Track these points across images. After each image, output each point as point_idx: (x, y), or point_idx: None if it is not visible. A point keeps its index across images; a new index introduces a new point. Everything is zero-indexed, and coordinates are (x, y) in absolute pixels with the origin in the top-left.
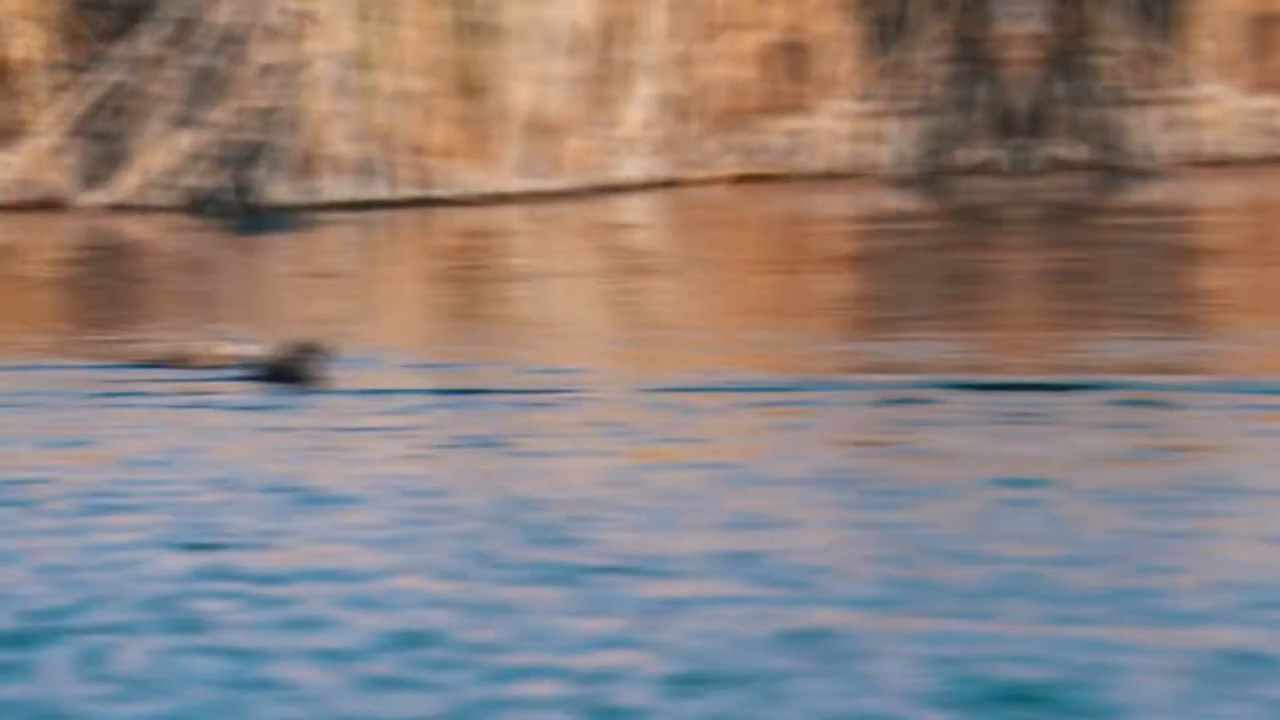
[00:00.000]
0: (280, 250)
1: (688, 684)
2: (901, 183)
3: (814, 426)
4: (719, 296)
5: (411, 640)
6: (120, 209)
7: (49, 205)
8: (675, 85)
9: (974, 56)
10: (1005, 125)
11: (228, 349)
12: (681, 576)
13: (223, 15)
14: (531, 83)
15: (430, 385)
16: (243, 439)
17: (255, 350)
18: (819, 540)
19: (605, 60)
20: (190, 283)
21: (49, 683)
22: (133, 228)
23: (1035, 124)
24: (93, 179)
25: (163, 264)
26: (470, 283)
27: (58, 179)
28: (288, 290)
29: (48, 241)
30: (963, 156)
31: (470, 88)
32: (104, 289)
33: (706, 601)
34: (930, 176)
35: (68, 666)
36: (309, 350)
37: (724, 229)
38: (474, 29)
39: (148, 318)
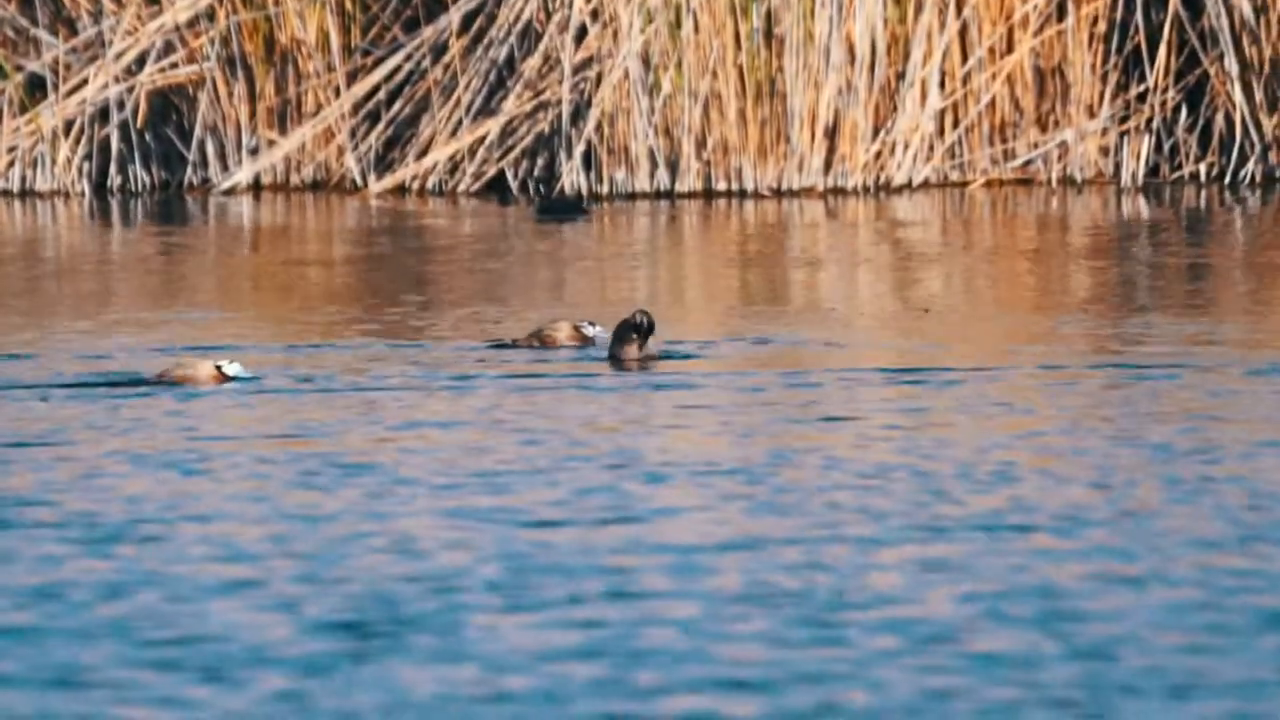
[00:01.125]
0: (576, 236)
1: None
2: (1132, 190)
3: (1103, 401)
4: (988, 283)
5: (752, 598)
6: (405, 193)
7: (333, 187)
8: (946, 99)
9: (1196, 88)
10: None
11: (585, 330)
12: (1024, 528)
13: (519, 9)
14: (820, 90)
15: (750, 365)
16: (593, 414)
17: (604, 332)
18: (1163, 494)
19: (887, 73)
20: (499, 266)
21: (404, 666)
22: (421, 212)
23: (1239, 145)
24: (378, 163)
25: (460, 247)
26: (769, 268)
27: (343, 162)
28: (595, 275)
29: (339, 224)
30: (1182, 169)
31: (762, 92)
32: (412, 270)
33: (1072, 552)
34: (1155, 186)
35: (424, 649)
36: (637, 330)
37: (986, 226)
38: (769, 38)
39: (463, 300)
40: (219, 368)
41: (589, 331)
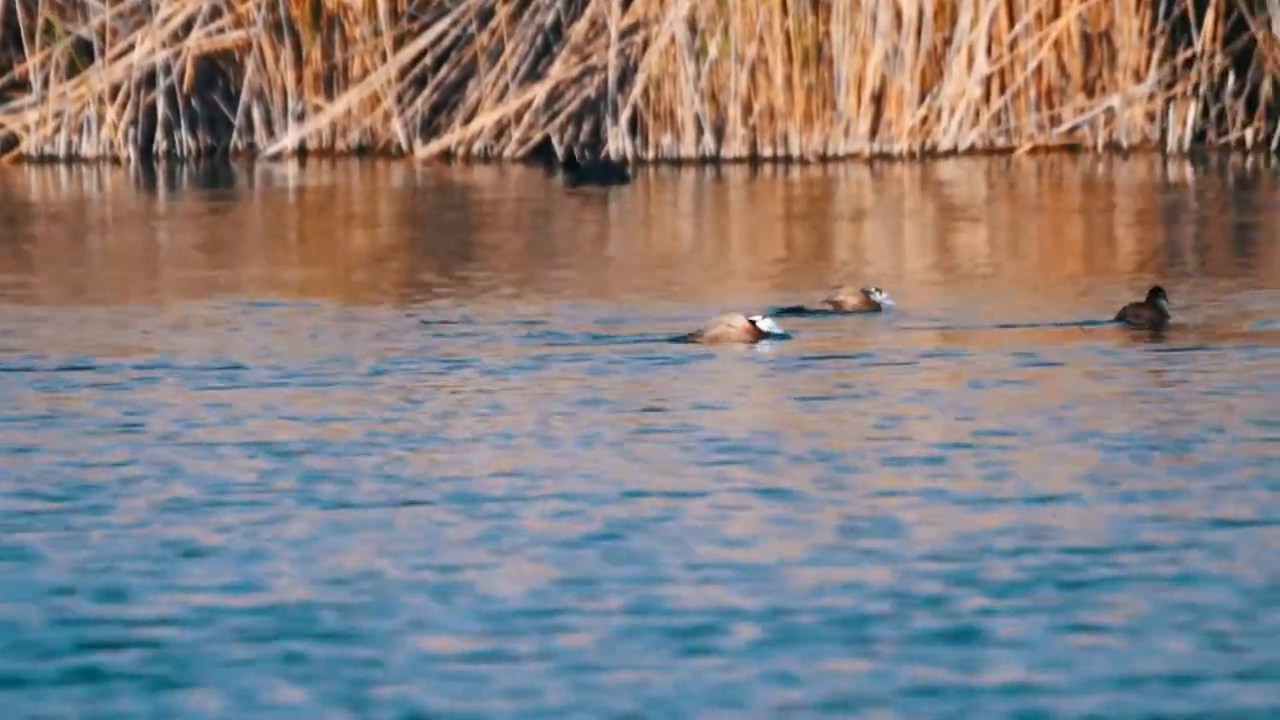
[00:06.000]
0: (620, 203)
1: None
2: (1179, 156)
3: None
4: (1034, 244)
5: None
6: (450, 158)
7: (379, 152)
8: (993, 64)
9: (1244, 53)
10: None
11: (872, 297)
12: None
13: None
14: (867, 55)
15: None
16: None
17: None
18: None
19: (934, 39)
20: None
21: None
22: (470, 177)
23: None
24: (424, 128)
25: (527, 214)
26: (816, 230)
27: (389, 127)
28: (640, 240)
29: (389, 187)
30: (1228, 135)
31: (809, 57)
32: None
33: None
34: (1202, 152)
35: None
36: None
37: (1031, 190)
38: (815, 3)
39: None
40: (753, 322)
41: (876, 297)
